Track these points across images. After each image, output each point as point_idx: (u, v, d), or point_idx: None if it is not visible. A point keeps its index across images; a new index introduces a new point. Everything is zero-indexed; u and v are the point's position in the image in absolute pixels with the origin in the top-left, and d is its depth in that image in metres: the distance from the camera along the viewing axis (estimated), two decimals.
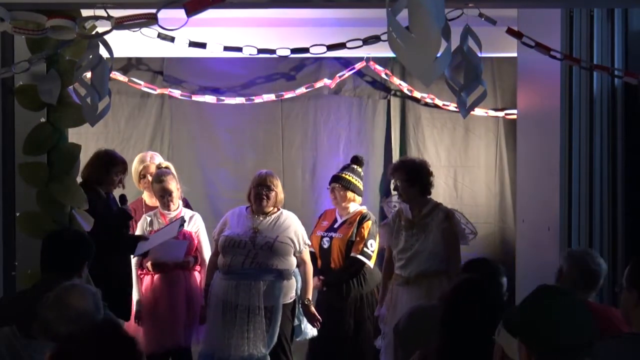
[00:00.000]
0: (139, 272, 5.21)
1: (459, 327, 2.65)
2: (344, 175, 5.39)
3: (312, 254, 5.43)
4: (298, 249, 5.17)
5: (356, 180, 5.39)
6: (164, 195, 5.16)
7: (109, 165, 4.86)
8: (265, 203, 5.12)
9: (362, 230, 5.28)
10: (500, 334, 2.21)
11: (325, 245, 5.37)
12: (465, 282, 2.85)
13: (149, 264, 5.17)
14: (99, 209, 4.62)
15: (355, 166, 5.44)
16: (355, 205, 5.41)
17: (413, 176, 4.88)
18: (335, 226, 5.39)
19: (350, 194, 5.36)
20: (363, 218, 5.34)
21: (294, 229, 5.17)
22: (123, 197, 4.93)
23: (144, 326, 5.14)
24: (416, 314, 3.44)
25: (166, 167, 5.32)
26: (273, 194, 5.16)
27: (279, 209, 5.24)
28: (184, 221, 5.05)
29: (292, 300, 5.19)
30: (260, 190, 5.13)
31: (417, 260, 4.79)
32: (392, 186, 5.21)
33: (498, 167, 6.49)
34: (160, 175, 5.22)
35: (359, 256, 5.25)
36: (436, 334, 2.81)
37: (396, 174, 4.94)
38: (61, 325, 2.95)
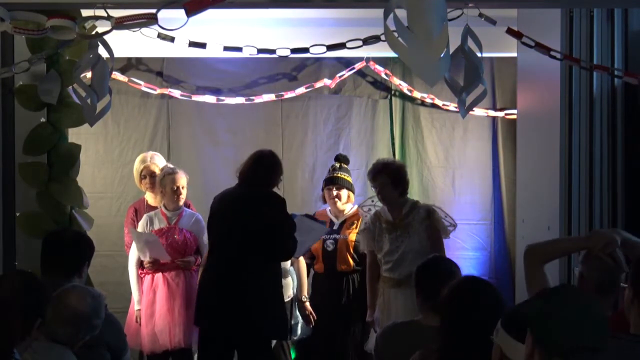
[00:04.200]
0: (139, 271, 5.21)
1: (459, 327, 2.65)
2: (341, 175, 5.33)
3: (308, 263, 5.41)
4: None
5: (351, 179, 5.37)
6: (177, 188, 5.14)
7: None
8: None
9: None
10: (499, 334, 2.20)
11: (330, 248, 5.27)
12: (465, 282, 2.85)
13: (146, 263, 5.17)
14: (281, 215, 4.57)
15: (345, 165, 5.39)
16: (349, 205, 5.37)
17: (397, 178, 4.86)
18: (335, 228, 5.32)
19: (351, 195, 5.33)
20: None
21: None
22: None
23: (144, 326, 5.14)
24: (388, 333, 3.41)
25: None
26: None
27: None
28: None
29: (289, 299, 5.20)
30: None
31: (405, 261, 4.74)
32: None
33: (496, 167, 6.49)
34: (172, 169, 5.23)
35: None
36: (413, 350, 2.82)
37: (379, 177, 4.87)
38: (58, 326, 2.95)
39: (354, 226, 5.27)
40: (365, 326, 5.13)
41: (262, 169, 4.64)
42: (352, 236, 5.23)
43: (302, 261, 5.31)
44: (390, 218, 4.88)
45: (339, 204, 5.31)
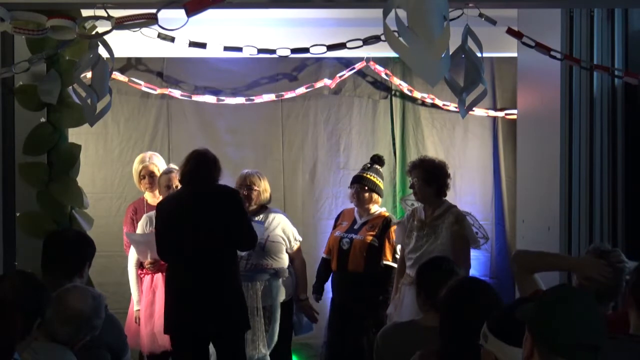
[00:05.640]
0: (139, 272, 5.22)
1: (457, 328, 2.65)
2: (367, 175, 5.24)
3: (324, 260, 5.39)
4: (290, 245, 5.18)
5: (379, 180, 5.26)
6: (170, 186, 5.15)
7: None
8: (246, 203, 5.07)
9: (390, 234, 5.13)
10: (489, 340, 2.19)
11: (345, 247, 5.20)
12: (463, 283, 2.85)
13: (147, 264, 5.17)
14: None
15: (377, 166, 5.31)
16: (376, 206, 5.27)
17: (431, 176, 4.79)
18: (355, 227, 5.25)
19: (374, 196, 5.23)
20: (388, 222, 5.19)
21: (283, 227, 5.18)
22: None
23: (144, 326, 5.14)
24: (388, 333, 3.40)
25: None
26: (255, 193, 5.15)
27: (267, 208, 5.23)
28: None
29: (289, 298, 5.20)
30: (241, 190, 5.10)
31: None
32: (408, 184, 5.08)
33: (496, 167, 6.49)
34: (169, 169, 5.30)
35: (392, 263, 5.12)
36: (413, 350, 2.81)
37: (414, 172, 4.84)
38: (58, 325, 2.95)
39: (374, 230, 5.17)
40: (380, 321, 5.10)
41: (205, 165, 4.64)
42: (369, 238, 5.15)
43: (302, 258, 5.30)
44: (423, 216, 4.83)
45: (355, 203, 5.25)
